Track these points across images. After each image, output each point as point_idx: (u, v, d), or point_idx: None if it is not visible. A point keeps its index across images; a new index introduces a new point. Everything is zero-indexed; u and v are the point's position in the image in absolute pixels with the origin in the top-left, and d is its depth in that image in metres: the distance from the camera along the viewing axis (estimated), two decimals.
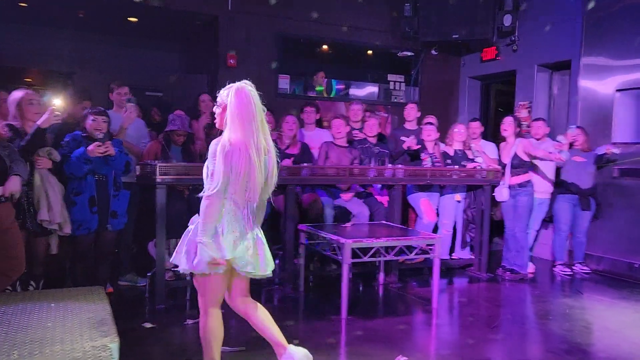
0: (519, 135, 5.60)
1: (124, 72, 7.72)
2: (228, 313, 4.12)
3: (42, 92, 3.76)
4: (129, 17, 7.56)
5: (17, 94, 3.90)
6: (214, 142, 2.62)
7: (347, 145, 5.44)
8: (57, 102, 3.75)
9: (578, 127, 5.91)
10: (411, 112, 6.16)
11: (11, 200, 3.33)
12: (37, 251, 3.96)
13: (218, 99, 2.70)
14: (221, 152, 2.54)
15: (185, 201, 4.68)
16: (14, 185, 3.22)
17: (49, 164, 3.88)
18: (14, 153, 3.40)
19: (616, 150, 5.64)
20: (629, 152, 5.71)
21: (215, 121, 2.74)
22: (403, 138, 5.78)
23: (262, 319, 2.88)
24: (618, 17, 5.96)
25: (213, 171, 2.57)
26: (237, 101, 2.61)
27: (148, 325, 3.72)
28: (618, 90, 5.95)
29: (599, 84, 6.17)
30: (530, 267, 5.75)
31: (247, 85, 2.68)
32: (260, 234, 2.74)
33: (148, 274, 4.54)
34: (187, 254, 2.63)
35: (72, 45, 8.47)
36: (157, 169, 4.11)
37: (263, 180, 2.65)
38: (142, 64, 8.66)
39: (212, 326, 2.73)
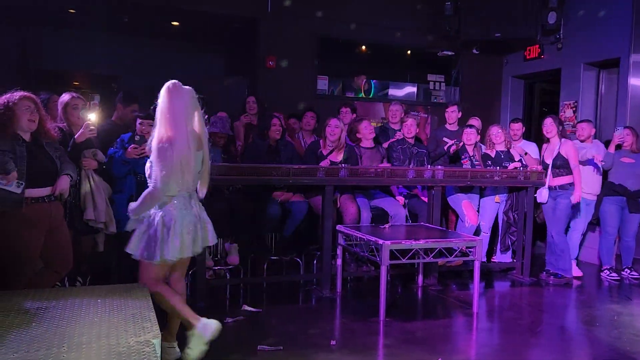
0: (562, 135, 5.43)
1: (167, 75, 7.89)
2: (267, 312, 4.18)
3: (91, 95, 3.91)
4: (172, 21, 7.75)
5: (64, 97, 4.06)
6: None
7: (374, 145, 5.41)
8: (92, 117, 3.92)
9: (627, 127, 5.69)
10: (452, 114, 6.07)
11: (60, 200, 3.47)
12: (84, 249, 4.11)
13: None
14: (156, 151, 2.72)
15: (226, 201, 4.75)
16: (64, 184, 3.35)
17: (94, 164, 4.02)
18: (64, 155, 3.53)
19: None
20: None
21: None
22: (446, 139, 5.70)
23: (181, 296, 3.09)
24: None
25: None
26: (168, 99, 2.78)
27: None
28: None
29: None
30: (577, 272, 5.58)
31: (177, 83, 2.85)
32: (205, 214, 2.99)
33: (189, 273, 4.63)
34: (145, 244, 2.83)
35: (117, 49, 8.73)
36: None
37: (197, 173, 2.87)
38: (185, 66, 8.83)
39: (166, 290, 2.94)
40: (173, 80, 2.87)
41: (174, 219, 2.79)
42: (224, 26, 7.80)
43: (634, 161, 5.51)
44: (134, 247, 2.87)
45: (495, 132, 5.61)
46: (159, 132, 2.76)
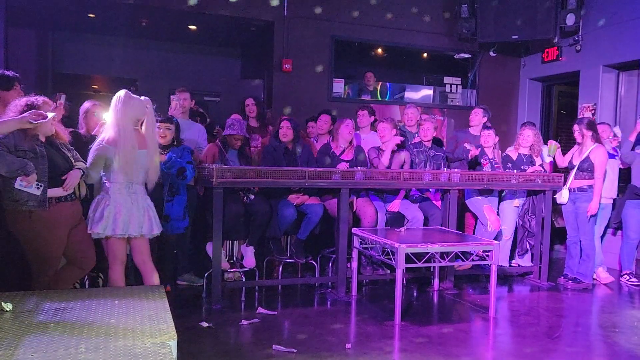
0: (597, 139, 5.26)
1: (184, 78, 7.98)
2: (282, 315, 4.19)
3: (57, 95, 4.17)
4: (189, 25, 7.82)
5: (86, 105, 4.38)
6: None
7: (395, 148, 5.35)
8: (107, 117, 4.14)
9: None
10: (475, 117, 5.99)
11: (79, 198, 3.54)
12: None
13: None
14: (95, 145, 3.36)
15: (242, 203, 4.77)
16: (74, 177, 3.38)
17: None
18: (77, 155, 3.59)
19: None
20: None
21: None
22: (467, 145, 5.60)
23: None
24: None
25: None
26: (119, 106, 3.31)
27: (205, 324, 3.81)
28: None
29: None
30: (607, 278, 5.47)
31: (127, 93, 3.37)
32: (149, 201, 3.55)
33: (206, 275, 4.66)
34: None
35: (135, 53, 8.84)
36: (214, 172, 4.22)
37: (140, 167, 3.41)
38: (201, 70, 8.93)
39: (115, 273, 3.48)
40: (124, 90, 3.39)
41: (109, 201, 3.36)
42: (241, 30, 7.85)
43: None
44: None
45: (525, 134, 5.54)
46: (105, 133, 3.37)
